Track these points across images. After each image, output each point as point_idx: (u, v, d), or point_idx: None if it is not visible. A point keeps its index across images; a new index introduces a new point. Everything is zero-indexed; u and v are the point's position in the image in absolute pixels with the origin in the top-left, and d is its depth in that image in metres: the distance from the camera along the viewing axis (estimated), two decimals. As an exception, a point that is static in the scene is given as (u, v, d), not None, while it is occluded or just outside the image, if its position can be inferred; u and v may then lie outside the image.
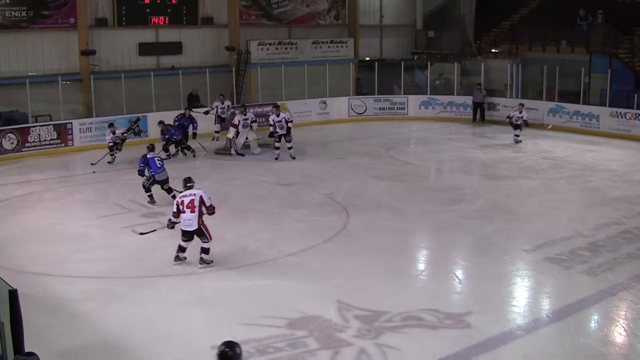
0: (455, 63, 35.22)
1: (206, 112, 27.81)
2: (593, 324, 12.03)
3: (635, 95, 29.29)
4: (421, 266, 14.98)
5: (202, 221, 13.98)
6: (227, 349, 7.20)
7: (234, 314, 11.96)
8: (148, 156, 19.32)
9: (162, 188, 19.47)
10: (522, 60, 36.00)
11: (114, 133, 24.23)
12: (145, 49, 32.14)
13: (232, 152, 25.59)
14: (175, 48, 32.99)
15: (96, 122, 27.20)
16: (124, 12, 31.24)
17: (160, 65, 32.54)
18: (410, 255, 15.59)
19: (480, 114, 32.98)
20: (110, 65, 31.02)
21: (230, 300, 12.62)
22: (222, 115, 28.51)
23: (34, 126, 26.04)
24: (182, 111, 26.28)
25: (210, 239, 14.06)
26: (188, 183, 14.33)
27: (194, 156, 25.26)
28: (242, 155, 25.62)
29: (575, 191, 20.59)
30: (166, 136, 24.81)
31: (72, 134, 26.67)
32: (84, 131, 26.84)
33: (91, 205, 19.29)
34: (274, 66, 33.48)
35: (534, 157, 25.29)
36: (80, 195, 20.28)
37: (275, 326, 11.36)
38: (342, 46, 37.37)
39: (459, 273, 14.35)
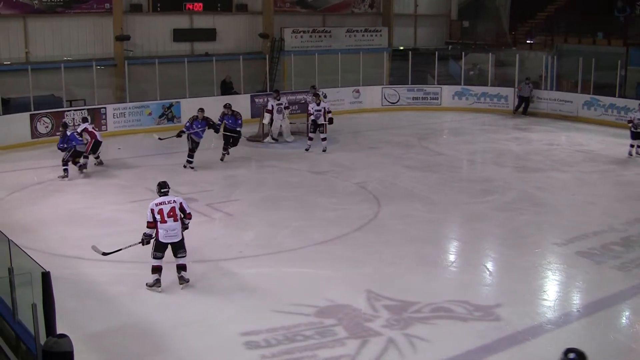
0: (490, 54, 35.00)
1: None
2: (624, 320, 11.96)
3: (672, 89, 29.00)
4: (451, 257, 14.94)
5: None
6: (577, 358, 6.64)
7: (263, 301, 12.01)
8: (68, 133, 20.37)
9: (75, 161, 20.57)
10: (557, 51, 35.70)
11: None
12: (180, 35, 32.29)
13: (265, 140, 25.60)
14: (209, 34, 33.11)
15: (130, 107, 27.38)
16: (158, -3, 31.45)
17: (194, 52, 32.69)
18: (441, 246, 15.57)
19: (524, 108, 32.61)
20: (144, 51, 31.23)
21: (260, 288, 12.67)
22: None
23: (68, 110, 26.21)
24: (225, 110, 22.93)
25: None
26: (163, 188, 12.76)
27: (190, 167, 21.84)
28: (276, 140, 25.68)
29: (609, 185, 20.43)
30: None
31: (105, 118, 26.82)
32: (118, 116, 27.01)
33: (123, 189, 19.43)
34: (307, 54, 33.50)
35: (567, 150, 25.12)
36: (113, 179, 20.44)
37: (305, 314, 11.39)
38: (376, 35, 37.29)
39: (489, 265, 14.30)
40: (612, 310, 12.10)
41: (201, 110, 21.71)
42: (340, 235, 15.58)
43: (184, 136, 21.61)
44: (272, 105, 25.41)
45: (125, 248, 12.83)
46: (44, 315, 7.95)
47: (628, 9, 34.81)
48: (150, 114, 27.72)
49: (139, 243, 12.55)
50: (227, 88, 31.03)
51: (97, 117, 26.46)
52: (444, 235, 16.43)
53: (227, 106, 22.88)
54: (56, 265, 12.15)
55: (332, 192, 19.39)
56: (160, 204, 12.37)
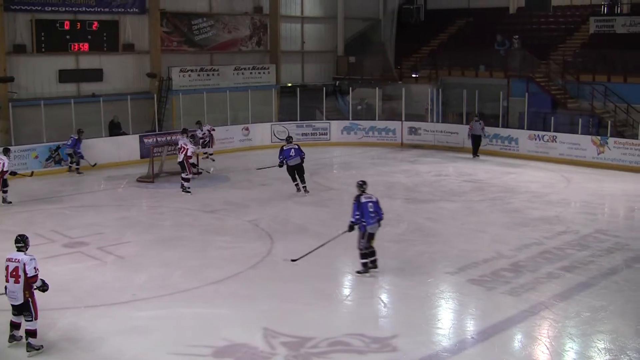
0: (377, 88, 35.58)
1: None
2: (517, 344, 12.22)
3: (552, 117, 30.04)
4: (346, 291, 15.04)
5: (30, 294, 11.50)
6: None
7: (160, 343, 11.85)
8: None
9: None
10: (442, 84, 36.53)
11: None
12: (66, 75, 31.71)
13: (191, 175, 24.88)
14: (96, 75, 32.61)
15: (15, 151, 26.52)
16: (43, 38, 30.81)
17: (81, 93, 32.13)
18: (336, 280, 15.65)
19: (475, 148, 30.68)
20: (29, 93, 30.51)
21: (156, 330, 12.48)
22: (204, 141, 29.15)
23: (-50, 155, 25.43)
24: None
25: (36, 318, 11.52)
26: (17, 243, 11.82)
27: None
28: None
29: (496, 213, 20.94)
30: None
31: (-11, 162, 26.10)
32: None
33: (11, 235, 18.61)
34: (196, 93, 33.37)
35: (456, 180, 25.65)
36: (0, 225, 19.84)
37: (202, 355, 11.30)
38: (264, 72, 37.47)
39: (384, 297, 14.46)
40: (505, 334, 12.39)
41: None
42: (235, 273, 15.53)
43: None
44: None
45: None
46: None
47: (507, 42, 35.96)
48: (36, 157, 27.08)
49: (3, 294, 11.75)
50: (115, 129, 30.65)
51: (-20, 161, 25.74)
52: (338, 269, 16.48)
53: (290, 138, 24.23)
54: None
55: (225, 231, 19.30)
56: (9, 259, 11.56)
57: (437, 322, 13.00)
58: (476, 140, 30.65)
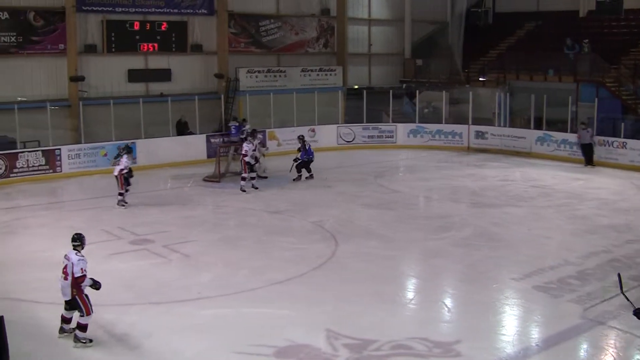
0: (444, 91, 35.39)
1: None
2: (582, 353, 12.02)
3: (622, 123, 29.49)
4: (410, 294, 14.96)
5: (78, 292, 11.76)
6: None
7: (223, 342, 11.90)
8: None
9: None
10: (509, 88, 36.18)
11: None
12: (135, 75, 32.17)
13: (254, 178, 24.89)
14: (164, 75, 33.03)
15: (85, 149, 27.17)
16: (113, 38, 31.33)
17: (149, 92, 32.56)
18: (399, 283, 15.56)
19: (588, 157, 29.30)
20: (99, 92, 31.01)
21: (220, 329, 12.55)
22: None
23: (22, 152, 25.97)
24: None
25: (88, 313, 11.78)
26: (74, 242, 12.22)
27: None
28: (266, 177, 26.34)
29: (563, 219, 20.62)
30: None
31: (60, 160, 26.60)
32: (73, 157, 26.78)
33: (78, 231, 19.14)
34: (262, 94, 33.53)
35: (522, 186, 25.35)
36: (68, 221, 20.12)
37: (265, 355, 11.31)
38: (330, 74, 37.48)
39: (448, 301, 14.34)
40: (570, 343, 12.17)
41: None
42: (299, 274, 15.53)
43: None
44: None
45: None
46: (-3, 360, 7.82)
47: (577, 46, 35.46)
48: (105, 154, 27.50)
49: None
50: (182, 128, 30.95)
51: (51, 158, 26.26)
52: (402, 273, 16.43)
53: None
54: (11, 309, 12.03)
55: (290, 232, 19.34)
56: (65, 257, 12.00)
57: (501, 329, 12.85)
58: (586, 148, 29.27)
